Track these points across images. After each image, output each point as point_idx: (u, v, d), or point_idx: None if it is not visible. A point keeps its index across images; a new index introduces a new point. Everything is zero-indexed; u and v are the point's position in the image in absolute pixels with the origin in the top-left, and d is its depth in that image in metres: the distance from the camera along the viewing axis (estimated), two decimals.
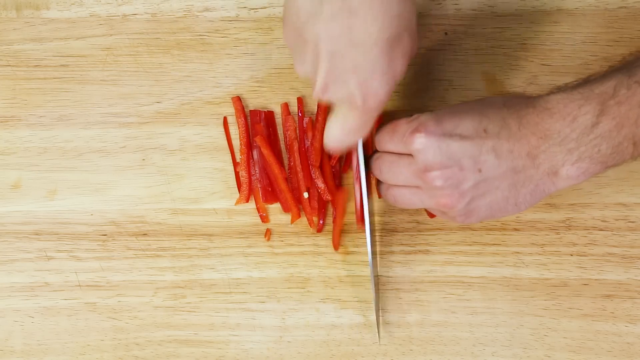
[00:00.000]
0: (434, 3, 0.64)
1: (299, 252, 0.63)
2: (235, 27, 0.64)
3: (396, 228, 0.63)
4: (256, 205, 0.63)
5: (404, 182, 0.54)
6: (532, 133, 0.51)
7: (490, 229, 0.63)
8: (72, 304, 0.63)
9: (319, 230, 0.63)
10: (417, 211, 0.63)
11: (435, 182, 0.51)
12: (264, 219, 0.63)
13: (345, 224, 0.63)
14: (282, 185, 0.62)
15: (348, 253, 0.63)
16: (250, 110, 0.63)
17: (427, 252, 0.63)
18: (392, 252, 0.63)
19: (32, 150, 0.64)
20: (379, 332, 0.61)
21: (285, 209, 0.63)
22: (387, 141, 0.54)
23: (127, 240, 0.63)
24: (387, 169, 0.54)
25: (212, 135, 0.63)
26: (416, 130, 0.51)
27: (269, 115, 0.63)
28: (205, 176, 0.63)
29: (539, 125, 0.50)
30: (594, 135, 0.49)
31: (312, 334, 0.63)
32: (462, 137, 0.51)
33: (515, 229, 0.63)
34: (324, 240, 0.63)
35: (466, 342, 0.63)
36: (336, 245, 0.62)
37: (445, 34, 0.64)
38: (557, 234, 0.63)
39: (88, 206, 0.63)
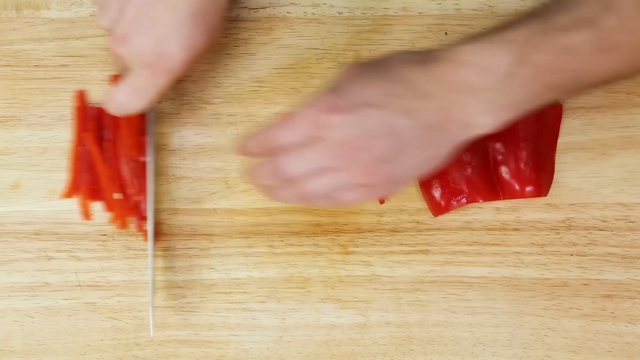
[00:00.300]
0: (434, 3, 0.64)
1: (299, 252, 0.63)
2: (235, 27, 0.64)
3: (396, 228, 0.63)
4: (80, 202, 0.62)
5: (319, 168, 0.51)
6: (443, 88, 0.49)
7: (491, 229, 0.63)
8: (72, 304, 0.63)
9: (139, 230, 0.62)
10: (417, 211, 0.63)
11: (354, 155, 0.49)
12: (87, 216, 0.63)
13: (345, 224, 0.63)
14: (106, 183, 0.61)
15: (348, 253, 0.63)
16: (89, 106, 0.63)
17: (427, 252, 0.63)
18: (392, 252, 0.63)
19: (32, 150, 0.64)
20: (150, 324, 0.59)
21: (109, 208, 0.62)
22: (289, 135, 0.51)
23: (127, 240, 0.63)
24: (297, 161, 0.51)
25: (212, 135, 0.63)
26: (325, 110, 0.49)
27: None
28: (205, 176, 0.63)
29: (451, 79, 0.49)
30: (510, 84, 0.48)
31: (312, 334, 0.63)
32: (371, 105, 0.49)
33: (515, 229, 0.63)
34: (324, 241, 0.63)
35: (466, 342, 0.63)
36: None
37: (445, 33, 0.64)
38: (557, 234, 0.63)
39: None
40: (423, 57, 0.50)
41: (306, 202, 0.53)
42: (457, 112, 0.49)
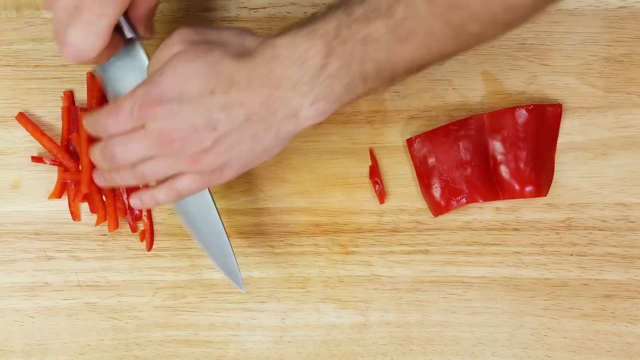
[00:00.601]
0: None
1: (299, 252, 0.63)
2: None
3: (396, 228, 0.63)
4: (68, 202, 0.63)
5: (144, 155, 0.51)
6: (263, 84, 0.49)
7: (490, 229, 0.63)
8: (72, 304, 0.63)
9: (134, 230, 0.63)
10: (417, 211, 0.63)
11: (173, 146, 0.50)
12: (76, 217, 0.63)
13: (345, 224, 0.63)
14: (91, 185, 0.61)
15: (348, 253, 0.63)
16: (79, 107, 0.63)
17: (427, 252, 0.63)
18: (392, 252, 0.63)
19: (32, 150, 0.64)
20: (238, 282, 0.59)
21: (93, 210, 0.63)
22: (112, 125, 0.51)
23: (127, 240, 0.63)
24: (122, 149, 0.51)
25: None
26: (143, 104, 0.50)
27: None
28: None
29: (270, 76, 0.49)
30: (325, 76, 0.48)
31: (312, 334, 0.63)
32: (189, 100, 0.49)
33: (515, 229, 0.63)
34: (324, 241, 0.63)
35: (466, 342, 0.63)
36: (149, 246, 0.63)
37: None
38: (557, 234, 0.63)
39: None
40: (250, 52, 0.50)
41: (143, 179, 0.53)
42: (280, 106, 0.49)
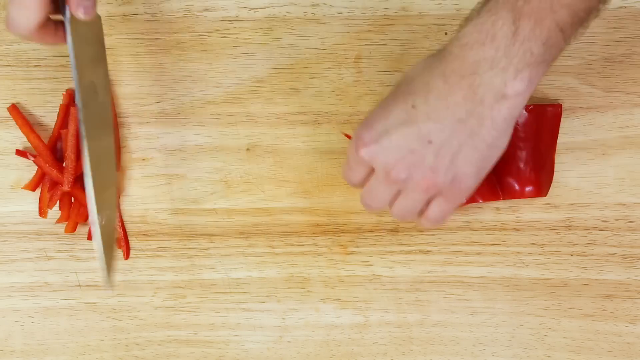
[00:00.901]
0: (433, 3, 0.64)
1: (299, 252, 0.63)
2: (235, 27, 0.64)
3: (396, 228, 0.63)
4: (39, 198, 0.63)
5: (389, 196, 0.53)
6: (459, 77, 0.48)
7: (490, 229, 0.63)
8: (72, 304, 0.63)
9: (90, 238, 0.62)
10: None
11: (400, 176, 0.50)
12: (43, 213, 0.62)
13: (345, 224, 0.63)
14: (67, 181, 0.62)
15: (348, 253, 0.63)
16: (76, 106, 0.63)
17: (427, 252, 0.63)
18: (392, 252, 0.63)
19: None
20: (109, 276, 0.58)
21: (61, 208, 0.63)
22: (351, 176, 0.54)
23: None
24: (370, 197, 0.54)
25: (212, 135, 0.64)
26: (357, 148, 0.51)
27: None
28: (205, 176, 0.64)
29: (463, 66, 0.48)
30: (519, 42, 0.47)
31: (312, 334, 0.63)
32: (396, 125, 0.50)
33: (515, 229, 0.63)
34: (324, 241, 0.63)
35: (466, 342, 0.63)
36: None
37: (445, 33, 0.64)
38: (557, 234, 0.63)
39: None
40: (438, 57, 0.50)
41: (404, 218, 0.55)
42: (485, 91, 0.48)
